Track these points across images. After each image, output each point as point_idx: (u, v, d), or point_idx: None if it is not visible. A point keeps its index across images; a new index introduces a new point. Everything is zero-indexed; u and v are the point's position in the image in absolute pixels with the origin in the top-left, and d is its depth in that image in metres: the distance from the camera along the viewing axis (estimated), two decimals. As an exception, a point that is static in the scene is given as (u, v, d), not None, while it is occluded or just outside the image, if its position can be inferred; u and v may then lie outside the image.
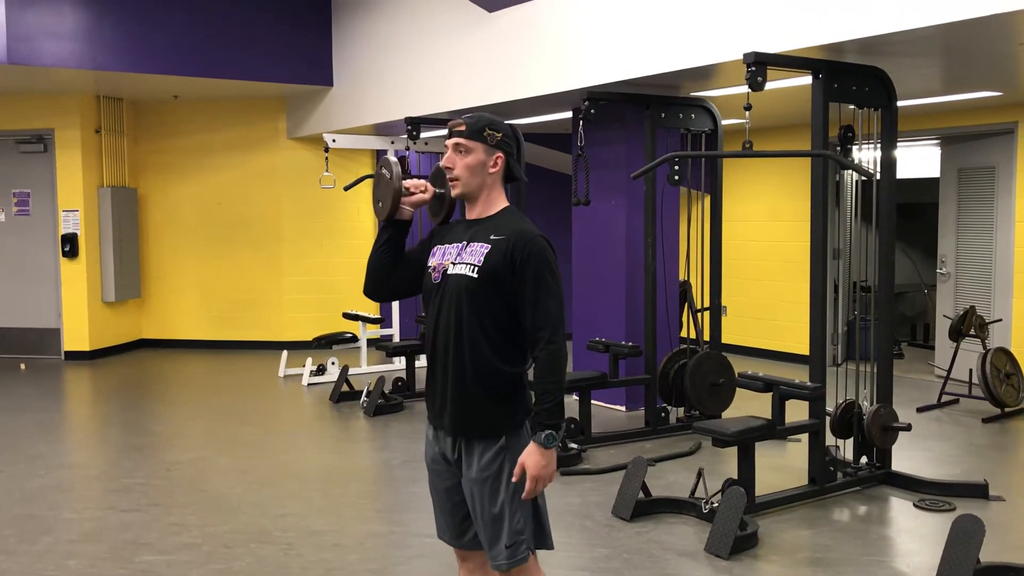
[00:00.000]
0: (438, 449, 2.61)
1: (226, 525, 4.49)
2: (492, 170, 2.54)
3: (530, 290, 2.44)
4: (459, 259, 2.51)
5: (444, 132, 8.63)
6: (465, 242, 2.53)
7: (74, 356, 9.53)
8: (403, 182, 2.64)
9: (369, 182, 9.86)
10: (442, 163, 2.57)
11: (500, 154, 2.54)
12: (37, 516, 4.66)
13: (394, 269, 2.67)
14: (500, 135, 2.54)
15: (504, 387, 2.50)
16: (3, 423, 6.82)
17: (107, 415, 7.35)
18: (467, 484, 2.53)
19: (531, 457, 2.42)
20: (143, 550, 4.16)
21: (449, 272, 2.52)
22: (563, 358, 2.46)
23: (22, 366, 9.28)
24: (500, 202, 2.58)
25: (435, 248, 2.63)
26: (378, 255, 2.67)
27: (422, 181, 2.68)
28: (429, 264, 2.61)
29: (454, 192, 2.57)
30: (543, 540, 2.59)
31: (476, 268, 2.47)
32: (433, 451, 2.63)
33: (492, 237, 2.48)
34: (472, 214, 2.59)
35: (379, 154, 10.03)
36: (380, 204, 2.69)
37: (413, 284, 2.69)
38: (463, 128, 2.52)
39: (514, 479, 2.45)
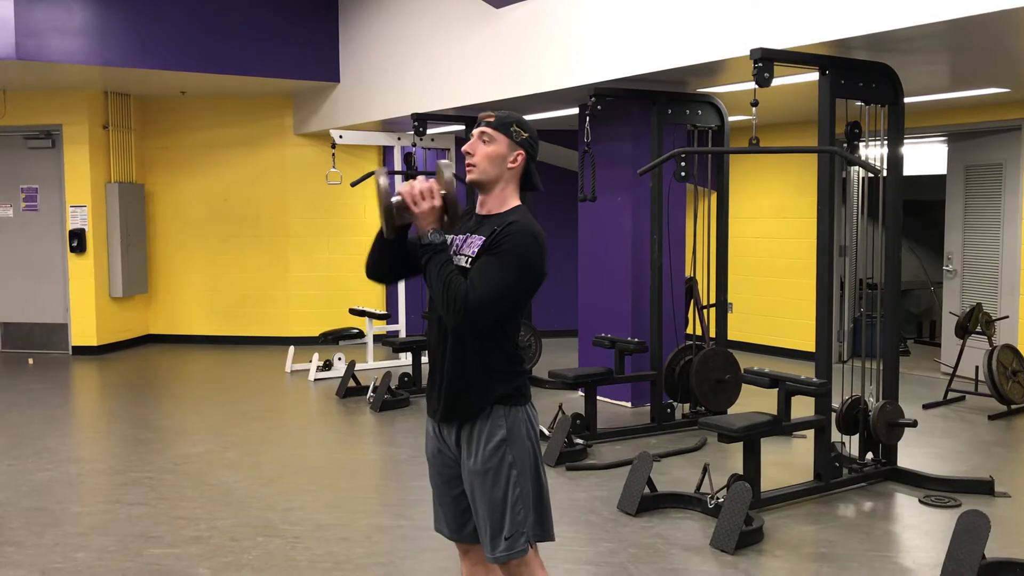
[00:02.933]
0: (438, 444, 2.63)
1: (233, 519, 4.51)
2: (511, 165, 2.55)
3: (488, 257, 2.42)
4: (459, 251, 2.53)
5: (451, 128, 8.72)
6: (468, 234, 2.54)
7: (81, 351, 9.57)
8: (409, 189, 2.48)
9: (375, 178, 9.88)
10: (464, 148, 2.57)
11: (522, 152, 2.55)
12: (45, 509, 4.69)
13: (387, 259, 2.62)
14: (526, 135, 2.56)
15: (501, 375, 2.50)
16: (11, 417, 6.85)
17: (114, 410, 7.38)
18: (467, 476, 2.54)
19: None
20: (151, 543, 4.18)
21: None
22: (455, 295, 2.37)
23: (30, 361, 9.32)
24: (513, 200, 2.57)
25: None
26: (375, 251, 2.62)
27: (428, 184, 2.48)
28: None
29: (469, 177, 2.56)
30: (544, 532, 2.58)
31: (470, 259, 2.48)
32: (433, 445, 2.65)
33: (494, 229, 2.49)
34: (483, 209, 2.58)
35: (386, 151, 10.04)
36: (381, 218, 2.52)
37: (414, 267, 2.63)
38: (492, 119, 2.54)
39: None
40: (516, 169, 2.56)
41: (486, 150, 2.53)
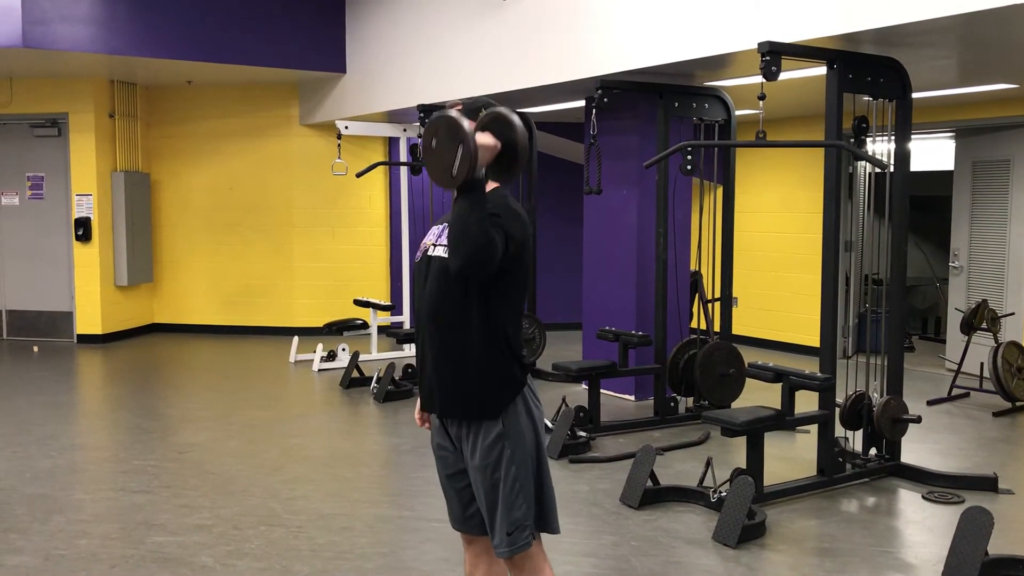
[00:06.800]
0: (440, 438, 2.63)
1: (236, 507, 4.52)
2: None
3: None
4: (439, 240, 2.51)
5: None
6: (446, 223, 2.47)
7: (86, 339, 9.59)
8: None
9: (380, 169, 9.88)
10: None
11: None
12: (49, 496, 4.70)
13: None
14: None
15: (490, 367, 2.48)
16: (16, 405, 6.87)
17: (119, 398, 7.39)
18: (471, 472, 2.54)
19: None
20: (154, 531, 4.19)
21: (430, 254, 2.52)
22: (470, 233, 2.26)
23: (35, 348, 9.34)
24: (490, 184, 2.52)
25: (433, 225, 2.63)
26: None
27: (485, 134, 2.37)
28: (421, 244, 2.62)
29: None
30: (546, 524, 2.58)
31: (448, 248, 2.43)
32: (437, 439, 2.65)
33: None
34: None
35: (392, 142, 10.02)
36: (445, 169, 2.27)
37: None
38: (460, 108, 2.52)
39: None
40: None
41: None
